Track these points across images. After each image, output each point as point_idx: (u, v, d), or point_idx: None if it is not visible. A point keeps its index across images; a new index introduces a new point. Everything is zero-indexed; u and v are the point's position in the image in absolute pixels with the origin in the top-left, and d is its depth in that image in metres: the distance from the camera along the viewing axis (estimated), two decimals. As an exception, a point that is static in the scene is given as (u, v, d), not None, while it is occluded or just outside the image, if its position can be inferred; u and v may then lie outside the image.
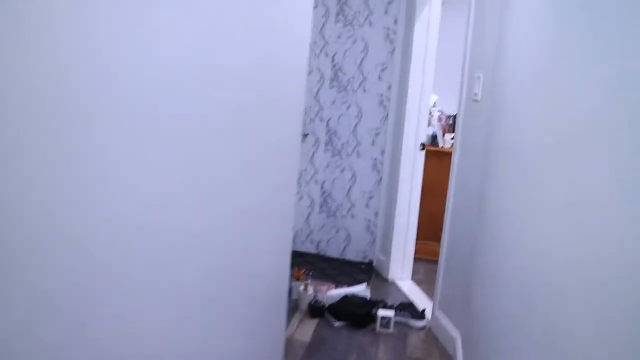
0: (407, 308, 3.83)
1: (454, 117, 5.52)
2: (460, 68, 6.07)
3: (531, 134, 2.21)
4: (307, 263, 4.80)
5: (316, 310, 3.80)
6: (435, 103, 5.47)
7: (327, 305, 3.84)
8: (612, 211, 1.31)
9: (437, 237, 5.12)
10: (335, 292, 3.95)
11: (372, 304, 3.84)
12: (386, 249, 4.69)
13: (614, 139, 1.34)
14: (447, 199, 3.65)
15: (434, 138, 5.14)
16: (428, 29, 4.26)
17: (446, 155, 5.06)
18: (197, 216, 1.50)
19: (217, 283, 1.76)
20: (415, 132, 4.39)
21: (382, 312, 3.66)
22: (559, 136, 1.82)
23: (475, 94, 3.25)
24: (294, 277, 4.16)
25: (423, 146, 4.39)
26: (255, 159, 1.98)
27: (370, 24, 4.59)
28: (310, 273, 4.23)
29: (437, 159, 5.06)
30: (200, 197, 1.50)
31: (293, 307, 3.90)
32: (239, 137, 1.78)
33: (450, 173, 3.63)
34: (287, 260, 2.76)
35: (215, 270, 1.72)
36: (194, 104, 1.37)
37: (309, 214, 4.98)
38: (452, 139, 5.25)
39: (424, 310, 3.81)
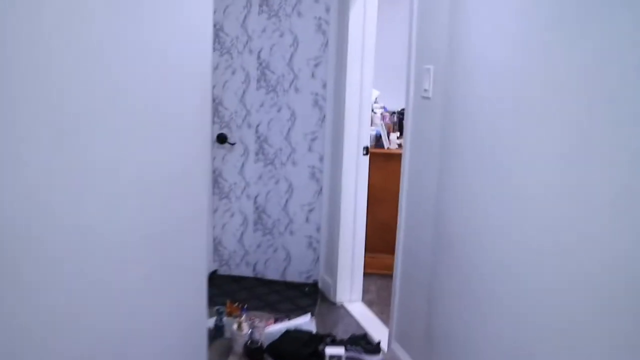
0: (360, 341, 3.28)
1: (399, 113, 5.00)
2: (403, 59, 5.58)
3: (505, 133, 1.75)
4: (243, 290, 4.20)
5: (253, 352, 3.21)
6: (377, 99, 4.94)
7: (266, 345, 3.26)
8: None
9: (388, 248, 4.59)
10: (276, 328, 3.37)
11: (319, 339, 3.28)
12: (332, 268, 4.14)
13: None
14: (399, 205, 3.13)
15: (378, 139, 4.61)
16: (365, 16, 3.71)
17: (393, 157, 4.54)
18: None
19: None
20: (357, 134, 3.84)
21: (330, 350, 3.10)
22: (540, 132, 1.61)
23: (426, 90, 2.72)
24: (227, 312, 3.56)
25: (367, 150, 3.85)
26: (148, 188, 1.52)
27: (299, 14, 4.02)
28: (245, 306, 3.64)
29: (382, 161, 4.53)
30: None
31: (226, 349, 3.31)
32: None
33: (401, 177, 3.10)
34: (202, 299, 2.24)
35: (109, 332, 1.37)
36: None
37: (242, 233, 4.38)
38: (399, 138, 4.73)
39: (379, 343, 3.28)
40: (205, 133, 2.23)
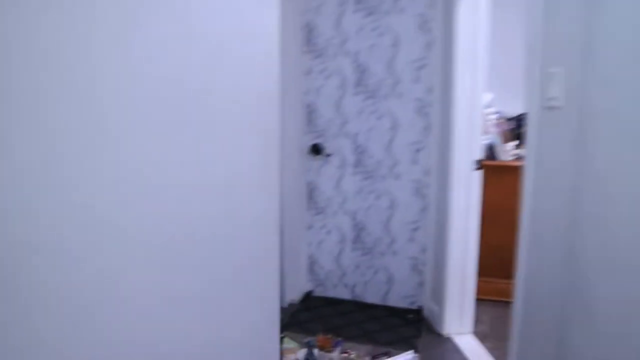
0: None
1: (517, 120, 4.44)
2: (520, 56, 5.01)
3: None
4: (339, 315, 3.82)
5: (346, 395, 2.83)
6: (490, 103, 4.41)
7: (360, 387, 2.87)
8: None
9: (503, 273, 4.07)
10: (372, 368, 2.97)
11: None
12: (439, 294, 3.67)
13: None
14: (521, 224, 2.63)
15: (491, 149, 4.08)
16: (476, 10, 3.22)
17: (509, 171, 4.00)
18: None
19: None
20: (468, 145, 3.36)
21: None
22: None
23: (553, 98, 2.22)
24: (319, 346, 3.20)
25: (479, 164, 3.36)
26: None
27: (400, 10, 3.58)
28: (339, 340, 3.25)
29: (497, 175, 4.00)
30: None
31: (316, 391, 2.94)
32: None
33: (523, 195, 2.61)
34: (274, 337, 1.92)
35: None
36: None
37: (339, 252, 4.00)
38: (517, 147, 4.18)
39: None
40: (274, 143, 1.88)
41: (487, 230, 3.96)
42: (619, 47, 1.68)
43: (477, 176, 3.40)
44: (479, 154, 3.37)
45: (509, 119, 4.54)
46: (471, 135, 3.36)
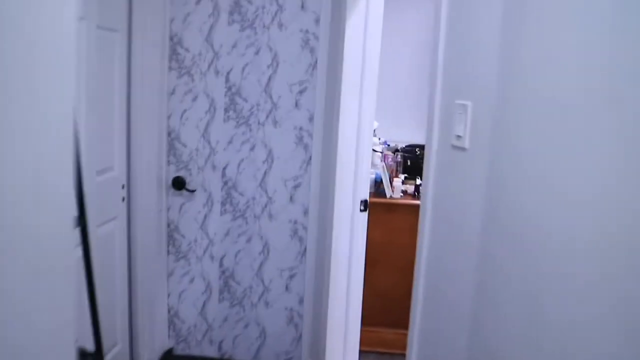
0: None
1: (405, 152, 4.09)
2: (407, 79, 4.70)
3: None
4: (202, 379, 3.23)
5: None
6: (375, 132, 4.03)
7: None
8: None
9: (390, 321, 3.66)
10: None
11: None
12: (318, 348, 3.19)
13: None
14: (416, 273, 2.21)
15: (377, 184, 3.68)
16: (366, 28, 2.80)
17: (397, 209, 3.61)
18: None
19: None
20: (353, 182, 2.91)
21: None
22: None
23: (460, 137, 1.80)
24: None
25: (365, 204, 2.92)
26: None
27: (281, 25, 3.11)
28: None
29: (383, 213, 3.60)
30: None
31: None
32: None
33: (419, 243, 2.19)
34: None
35: None
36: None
37: (204, 303, 3.42)
38: (405, 183, 3.80)
39: None
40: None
41: (372, 273, 3.54)
42: (536, 80, 1.28)
43: (363, 219, 2.96)
44: (366, 192, 2.93)
45: (396, 151, 4.18)
46: (357, 170, 2.91)
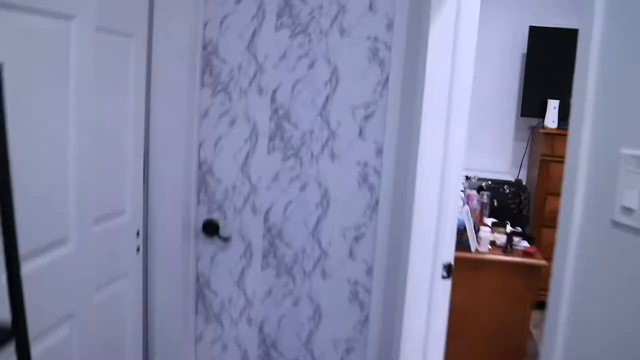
0: None
1: (492, 189, 3.32)
2: (490, 93, 3.91)
3: None
4: None
5: None
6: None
7: None
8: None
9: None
10: None
11: None
12: None
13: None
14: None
15: (460, 233, 2.93)
16: (456, 34, 2.08)
17: (485, 266, 2.85)
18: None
19: None
20: (434, 239, 2.18)
21: None
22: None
23: (630, 211, 1.06)
24: None
25: (449, 270, 2.18)
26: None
27: (343, 31, 2.42)
28: None
29: (468, 270, 2.84)
30: None
31: None
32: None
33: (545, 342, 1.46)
34: None
35: None
36: None
37: (239, 377, 2.74)
38: (494, 231, 3.04)
39: None
40: None
41: (451, 346, 2.78)
42: None
43: (446, 287, 2.22)
44: (451, 252, 2.19)
45: (480, 189, 3.41)
46: (440, 223, 2.18)
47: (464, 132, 2.13)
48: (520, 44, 4.84)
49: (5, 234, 1.13)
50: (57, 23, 1.68)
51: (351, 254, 2.53)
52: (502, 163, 4.52)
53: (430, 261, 2.18)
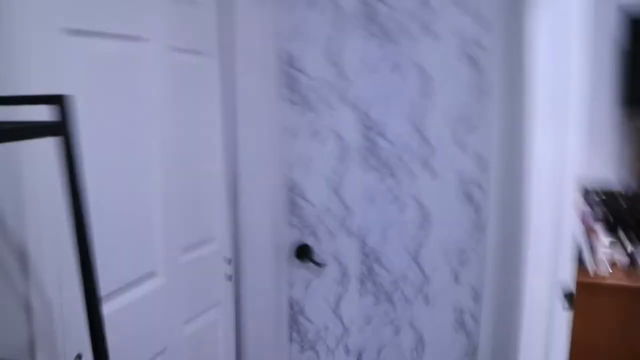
0: None
1: (604, 197, 3.02)
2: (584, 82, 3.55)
3: None
4: None
5: None
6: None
7: None
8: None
9: None
10: None
11: None
12: None
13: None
14: None
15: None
16: (569, 24, 1.86)
17: (604, 292, 2.56)
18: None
19: None
20: (552, 263, 1.95)
21: None
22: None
23: None
24: None
25: (571, 299, 1.93)
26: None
27: (433, 34, 2.24)
28: None
29: (584, 296, 2.56)
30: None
31: None
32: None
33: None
34: None
35: None
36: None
37: (338, 411, 2.57)
38: (610, 248, 2.74)
39: None
40: None
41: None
42: None
43: (566, 319, 1.97)
44: (571, 278, 1.95)
45: (588, 199, 3.10)
46: (558, 243, 1.94)
47: (579, 138, 1.89)
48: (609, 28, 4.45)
49: (83, 275, 1.03)
50: (131, 46, 1.60)
51: (456, 279, 2.32)
52: (607, 169, 4.14)
53: (547, 288, 1.95)
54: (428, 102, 2.26)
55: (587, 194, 3.10)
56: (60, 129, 0.96)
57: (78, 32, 1.37)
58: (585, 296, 2.53)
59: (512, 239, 2.12)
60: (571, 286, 1.92)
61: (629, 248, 2.79)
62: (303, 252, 2.46)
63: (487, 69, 2.19)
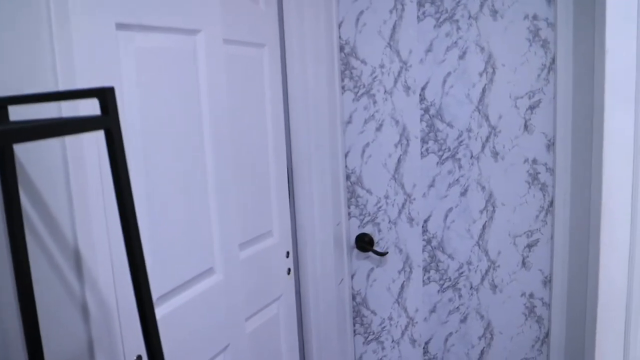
0: None
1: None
2: None
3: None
4: None
5: None
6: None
7: None
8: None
9: None
10: None
11: None
12: None
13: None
14: None
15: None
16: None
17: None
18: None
19: None
20: (629, 247, 1.84)
21: None
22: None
23: None
24: None
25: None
26: None
27: (495, 12, 2.14)
28: None
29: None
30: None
31: None
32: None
33: None
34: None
35: None
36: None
37: (406, 402, 2.52)
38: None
39: None
40: None
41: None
42: None
43: (649, 299, 1.86)
44: (650, 258, 1.84)
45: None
46: (635, 226, 1.83)
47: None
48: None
49: (133, 273, 1.00)
50: (187, 39, 1.56)
51: (524, 263, 2.23)
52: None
53: (625, 273, 1.84)
54: (490, 81, 2.17)
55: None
56: (103, 122, 0.92)
57: (130, 27, 1.34)
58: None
59: (582, 221, 2.02)
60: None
61: None
62: (363, 242, 2.41)
63: (553, 46, 2.08)
